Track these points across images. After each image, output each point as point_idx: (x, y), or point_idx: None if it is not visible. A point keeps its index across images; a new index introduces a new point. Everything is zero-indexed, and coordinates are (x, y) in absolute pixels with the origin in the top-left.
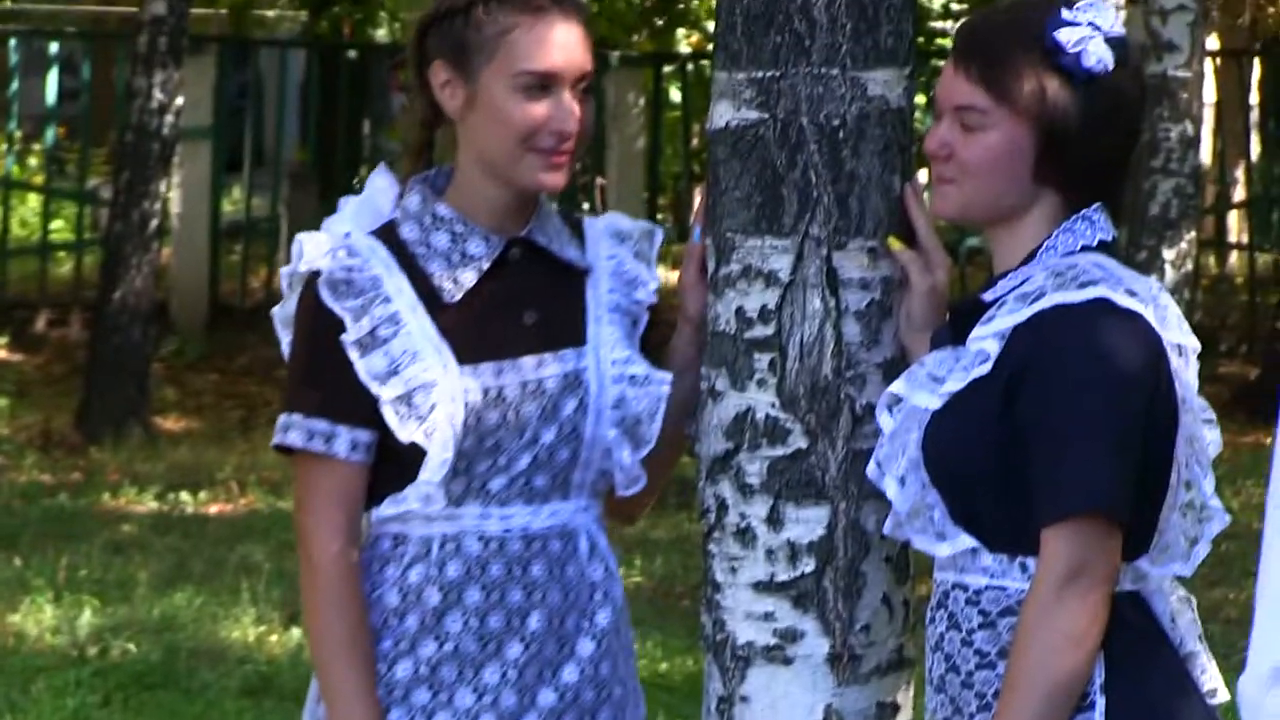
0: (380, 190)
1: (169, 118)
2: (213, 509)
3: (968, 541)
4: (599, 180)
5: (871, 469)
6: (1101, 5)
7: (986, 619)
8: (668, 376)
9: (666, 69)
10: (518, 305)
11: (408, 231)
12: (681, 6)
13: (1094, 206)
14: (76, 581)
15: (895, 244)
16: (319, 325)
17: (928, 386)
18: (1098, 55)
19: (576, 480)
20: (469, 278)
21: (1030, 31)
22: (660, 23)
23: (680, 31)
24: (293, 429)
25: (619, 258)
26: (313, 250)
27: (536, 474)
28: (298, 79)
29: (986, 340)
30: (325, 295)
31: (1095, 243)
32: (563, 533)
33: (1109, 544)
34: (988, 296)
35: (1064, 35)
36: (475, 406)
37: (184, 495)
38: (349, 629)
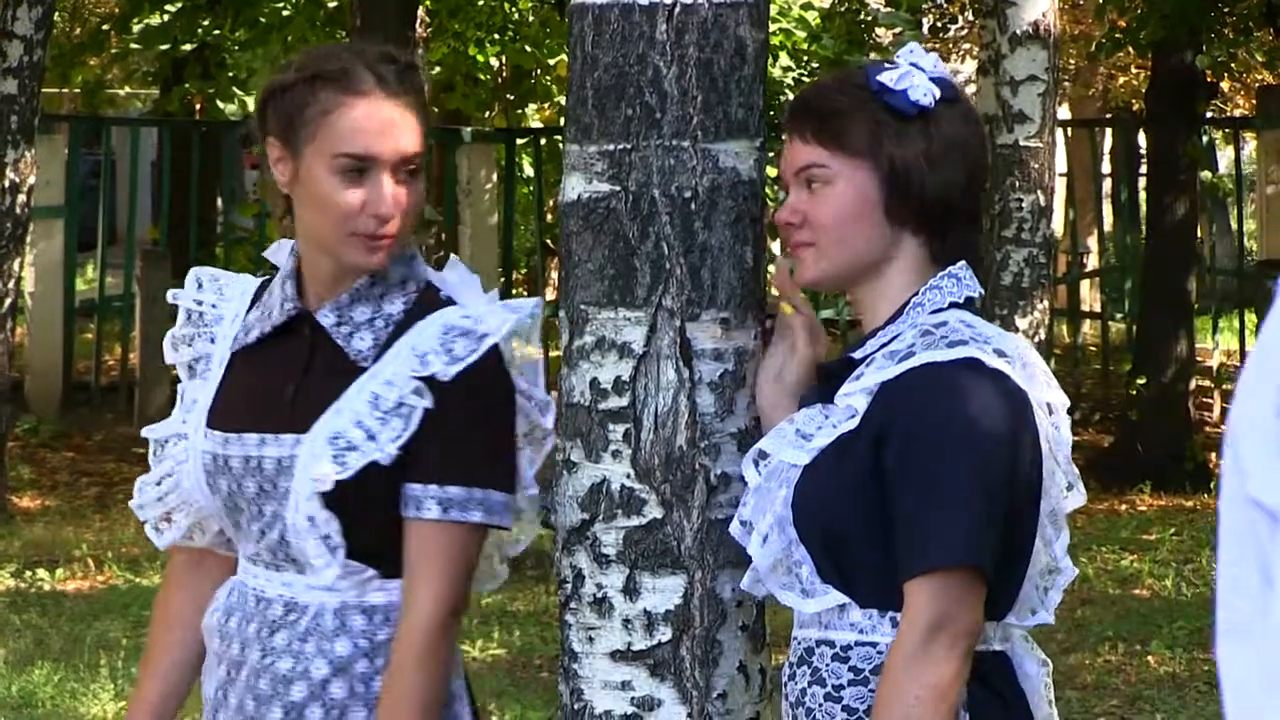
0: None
1: (21, 196)
2: (70, 586)
3: (836, 599)
4: (453, 256)
5: (735, 527)
6: (920, 50)
7: (858, 675)
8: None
9: (519, 143)
10: (283, 377)
11: (269, 286)
12: (533, 81)
13: (960, 264)
14: None
15: (787, 309)
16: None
17: (796, 443)
18: (923, 89)
19: (307, 560)
20: (253, 337)
21: (855, 82)
22: (511, 98)
23: (531, 106)
24: None
25: (424, 351)
26: (189, 281)
27: (267, 545)
28: (150, 156)
29: (855, 396)
30: (179, 320)
31: (962, 299)
32: (288, 603)
33: (972, 598)
34: (857, 354)
35: (887, 76)
36: (208, 468)
37: (41, 573)
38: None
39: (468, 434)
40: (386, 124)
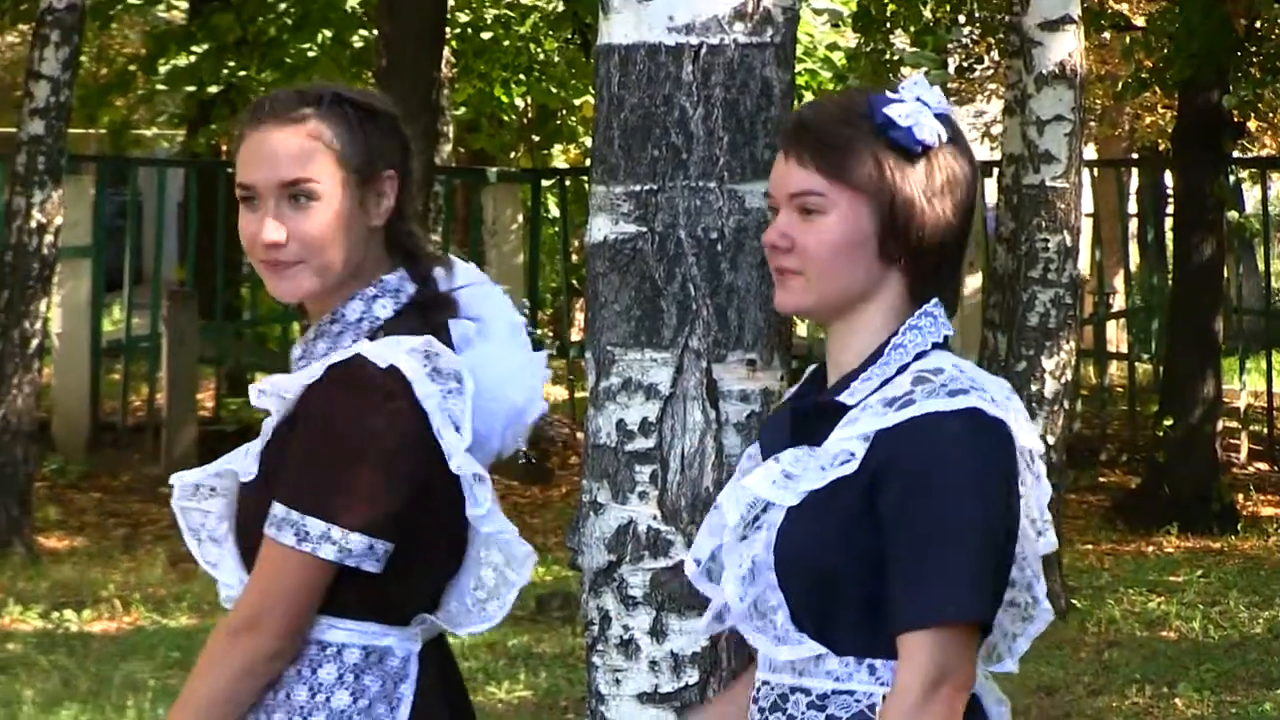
0: None
1: (48, 237)
2: (97, 627)
3: (811, 649)
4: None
5: (689, 566)
6: (925, 84)
7: None
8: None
9: (544, 184)
10: None
11: None
12: (558, 122)
13: (933, 302)
14: None
15: None
16: None
17: (782, 484)
18: (929, 128)
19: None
20: None
21: (859, 112)
22: (537, 138)
23: (557, 147)
24: None
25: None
26: None
27: None
28: (176, 197)
29: (851, 441)
30: None
31: (941, 338)
32: None
33: (971, 651)
34: (849, 400)
35: (894, 111)
36: None
37: (68, 614)
38: None
39: (300, 457)
40: (267, 152)
